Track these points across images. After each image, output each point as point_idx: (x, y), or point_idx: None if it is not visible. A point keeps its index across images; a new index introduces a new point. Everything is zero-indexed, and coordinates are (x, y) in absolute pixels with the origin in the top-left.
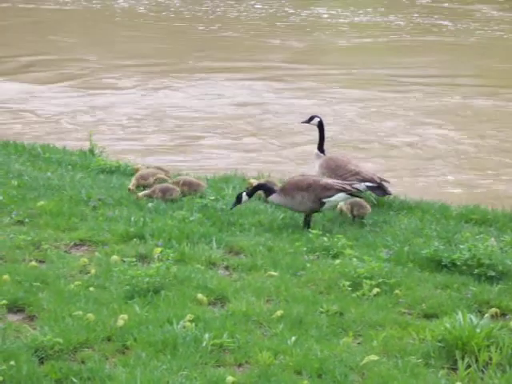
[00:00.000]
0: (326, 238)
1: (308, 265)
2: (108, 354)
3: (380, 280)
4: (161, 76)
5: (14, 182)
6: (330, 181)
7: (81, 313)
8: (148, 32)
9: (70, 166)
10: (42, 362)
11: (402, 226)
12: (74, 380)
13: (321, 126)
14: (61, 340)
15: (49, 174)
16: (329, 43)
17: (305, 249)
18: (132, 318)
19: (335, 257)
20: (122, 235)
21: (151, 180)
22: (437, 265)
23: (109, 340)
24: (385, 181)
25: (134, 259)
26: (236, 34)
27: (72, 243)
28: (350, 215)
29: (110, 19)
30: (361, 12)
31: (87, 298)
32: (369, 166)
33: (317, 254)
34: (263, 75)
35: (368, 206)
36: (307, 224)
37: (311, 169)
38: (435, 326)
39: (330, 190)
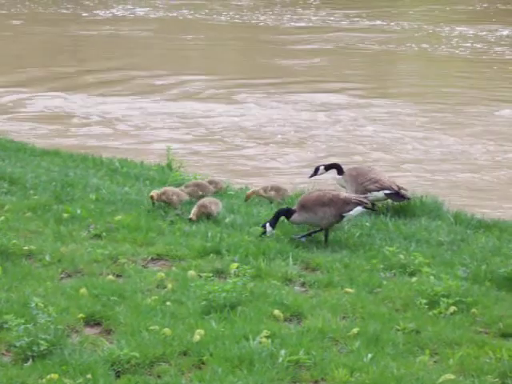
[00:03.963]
0: (402, 256)
1: (384, 282)
2: (184, 368)
3: (457, 298)
4: None
5: (92, 196)
6: (347, 195)
7: (157, 327)
8: None
9: (147, 181)
10: (119, 376)
11: (479, 245)
12: None
13: (329, 167)
14: (137, 354)
15: (126, 188)
16: None
17: (381, 266)
18: (208, 333)
19: (412, 274)
20: (198, 250)
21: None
22: None
23: (185, 355)
24: (403, 189)
25: (210, 274)
26: None
27: (149, 258)
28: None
29: None
30: None
31: (164, 313)
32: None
33: (393, 271)
34: None
35: (286, 189)
36: (326, 238)
37: None
38: None
39: (350, 205)
